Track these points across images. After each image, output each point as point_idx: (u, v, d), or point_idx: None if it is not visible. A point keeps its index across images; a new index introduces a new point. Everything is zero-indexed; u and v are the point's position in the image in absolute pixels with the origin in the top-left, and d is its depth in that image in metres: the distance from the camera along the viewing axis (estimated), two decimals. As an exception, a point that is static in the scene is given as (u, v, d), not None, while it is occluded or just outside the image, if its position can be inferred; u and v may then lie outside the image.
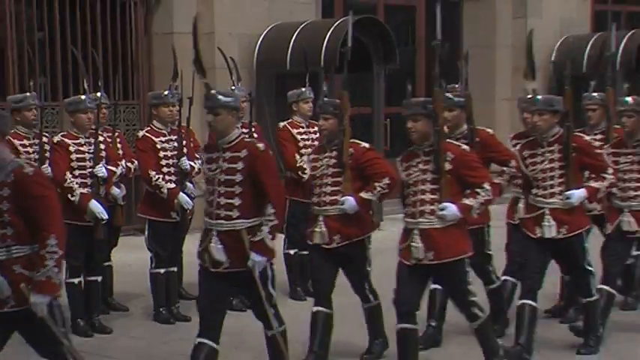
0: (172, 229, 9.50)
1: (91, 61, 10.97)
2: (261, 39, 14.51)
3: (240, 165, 6.84)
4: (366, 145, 7.94)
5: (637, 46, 18.25)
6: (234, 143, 6.94)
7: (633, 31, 18.63)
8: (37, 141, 9.49)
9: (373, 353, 8.22)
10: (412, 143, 7.46)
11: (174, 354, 8.57)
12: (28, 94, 10.01)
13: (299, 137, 10.30)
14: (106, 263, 10.00)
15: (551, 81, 17.71)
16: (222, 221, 6.87)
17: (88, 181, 9.29)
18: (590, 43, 18.15)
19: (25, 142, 9.48)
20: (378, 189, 7.60)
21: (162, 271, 9.86)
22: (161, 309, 9.86)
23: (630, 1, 22.10)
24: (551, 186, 7.91)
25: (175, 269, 10.05)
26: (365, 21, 14.93)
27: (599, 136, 9.37)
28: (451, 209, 7.01)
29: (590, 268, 8.11)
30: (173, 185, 9.64)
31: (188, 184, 9.69)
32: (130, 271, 10.73)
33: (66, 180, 9.12)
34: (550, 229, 7.86)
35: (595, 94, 9.72)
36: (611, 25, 11.93)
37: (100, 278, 9.68)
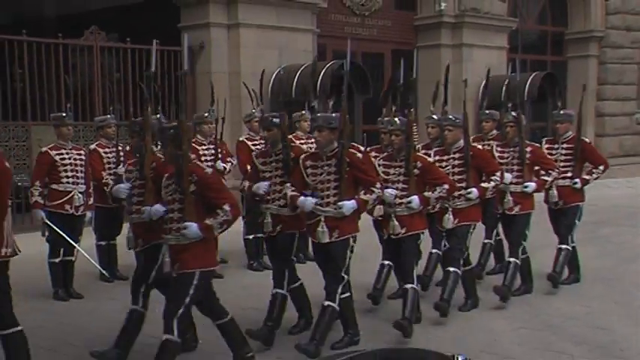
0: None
1: (152, 92, 10.90)
2: (274, 76, 14.43)
3: None
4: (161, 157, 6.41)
5: (539, 82, 18.37)
6: None
7: (536, 72, 18.85)
8: (114, 149, 9.45)
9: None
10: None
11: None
12: (108, 115, 10.02)
13: (304, 147, 10.27)
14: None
15: (480, 106, 17.72)
16: None
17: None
18: (506, 81, 18.31)
19: (107, 149, 9.46)
20: (221, 213, 5.82)
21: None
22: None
23: (532, 52, 22.21)
24: (327, 196, 6.66)
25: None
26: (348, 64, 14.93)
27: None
28: (192, 228, 5.72)
29: (344, 276, 6.78)
30: (211, 180, 9.66)
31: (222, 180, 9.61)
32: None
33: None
34: (324, 235, 6.63)
35: (396, 118, 7.73)
36: (524, 70, 12.18)
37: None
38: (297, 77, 14.63)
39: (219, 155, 9.88)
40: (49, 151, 8.76)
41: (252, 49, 14.91)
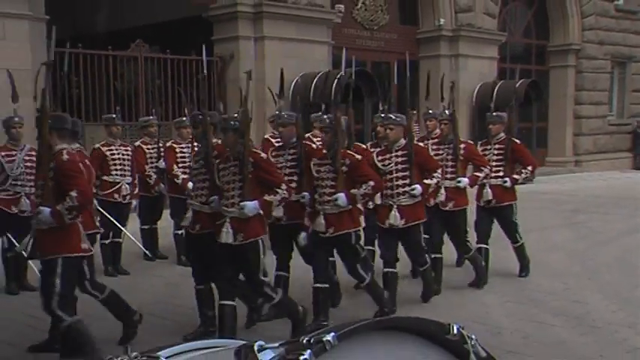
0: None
1: (189, 96, 10.91)
2: (295, 82, 14.45)
3: None
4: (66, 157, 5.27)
5: (525, 88, 18.32)
6: None
7: (522, 80, 18.74)
8: (156, 146, 9.44)
9: None
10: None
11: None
12: (151, 116, 9.99)
13: (319, 144, 10.19)
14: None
15: (473, 109, 17.71)
16: None
17: (187, 170, 9.24)
18: (497, 87, 18.39)
19: (149, 146, 9.43)
20: (67, 200, 5.08)
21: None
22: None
23: (519, 62, 22.02)
24: (232, 196, 5.81)
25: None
26: (359, 71, 14.92)
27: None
28: (44, 213, 5.09)
29: (263, 279, 5.91)
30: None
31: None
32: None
33: (173, 169, 9.07)
34: (227, 235, 5.77)
35: (326, 116, 7.17)
36: (515, 76, 11.94)
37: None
38: (314, 83, 14.63)
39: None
40: (101, 147, 8.79)
41: (275, 58, 14.91)
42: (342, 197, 6.25)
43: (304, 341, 1.55)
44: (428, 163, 7.02)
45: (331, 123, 6.50)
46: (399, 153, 6.93)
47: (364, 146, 7.61)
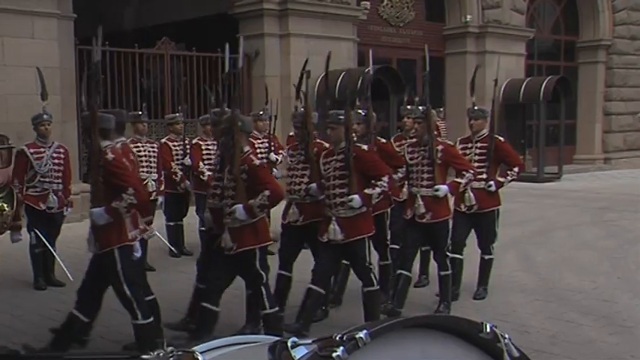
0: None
1: (215, 93, 10.98)
2: (319, 79, 14.44)
3: None
4: None
5: (553, 85, 18.22)
6: None
7: (550, 76, 18.78)
8: (181, 143, 9.52)
9: None
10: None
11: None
12: (177, 114, 10.06)
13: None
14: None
15: (500, 106, 17.57)
16: None
17: (213, 167, 9.29)
18: (524, 84, 18.37)
19: (175, 143, 9.52)
20: None
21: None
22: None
23: (547, 59, 22.11)
24: (93, 200, 5.23)
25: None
26: (384, 68, 14.95)
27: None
28: None
29: (128, 293, 5.27)
30: (264, 170, 9.64)
31: (274, 169, 9.55)
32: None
33: (199, 166, 9.14)
34: (89, 244, 5.30)
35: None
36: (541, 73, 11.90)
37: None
38: (339, 80, 14.64)
39: (272, 148, 9.86)
40: (128, 144, 8.87)
41: (300, 55, 14.91)
42: (239, 209, 5.44)
43: (337, 338, 1.58)
44: (372, 170, 5.98)
45: (230, 122, 5.60)
46: (340, 157, 5.99)
47: (327, 144, 6.50)
